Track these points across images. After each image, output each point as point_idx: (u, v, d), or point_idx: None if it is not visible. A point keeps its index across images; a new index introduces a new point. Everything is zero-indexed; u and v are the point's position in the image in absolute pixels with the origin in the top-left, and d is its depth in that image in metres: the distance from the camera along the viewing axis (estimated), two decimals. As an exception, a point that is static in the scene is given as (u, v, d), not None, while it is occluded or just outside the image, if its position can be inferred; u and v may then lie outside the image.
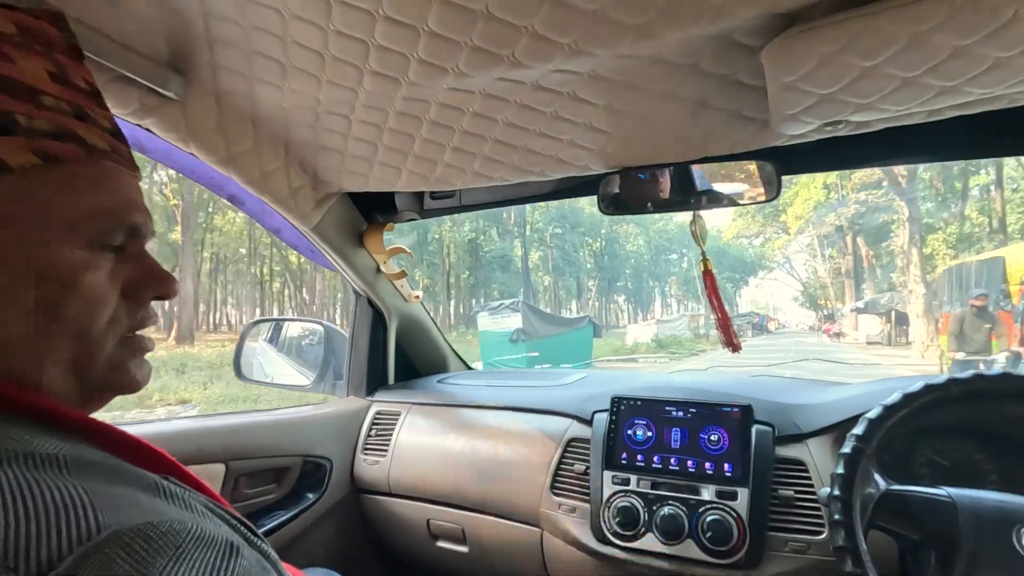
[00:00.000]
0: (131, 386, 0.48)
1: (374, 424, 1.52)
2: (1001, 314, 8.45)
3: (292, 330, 2.11)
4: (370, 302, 1.57)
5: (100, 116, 0.47)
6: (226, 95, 0.91)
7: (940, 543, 0.75)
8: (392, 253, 1.47)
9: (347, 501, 1.46)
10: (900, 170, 16.51)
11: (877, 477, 0.82)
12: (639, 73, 0.76)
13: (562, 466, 1.22)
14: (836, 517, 0.76)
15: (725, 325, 1.03)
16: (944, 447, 1.03)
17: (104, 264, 0.44)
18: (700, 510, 1.03)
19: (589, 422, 1.24)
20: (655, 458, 1.13)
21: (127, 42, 0.78)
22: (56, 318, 0.41)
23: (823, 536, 0.96)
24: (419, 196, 1.44)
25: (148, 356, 0.51)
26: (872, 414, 0.83)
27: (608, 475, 1.14)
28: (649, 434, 1.16)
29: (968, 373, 0.82)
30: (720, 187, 0.99)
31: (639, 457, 1.14)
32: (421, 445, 1.41)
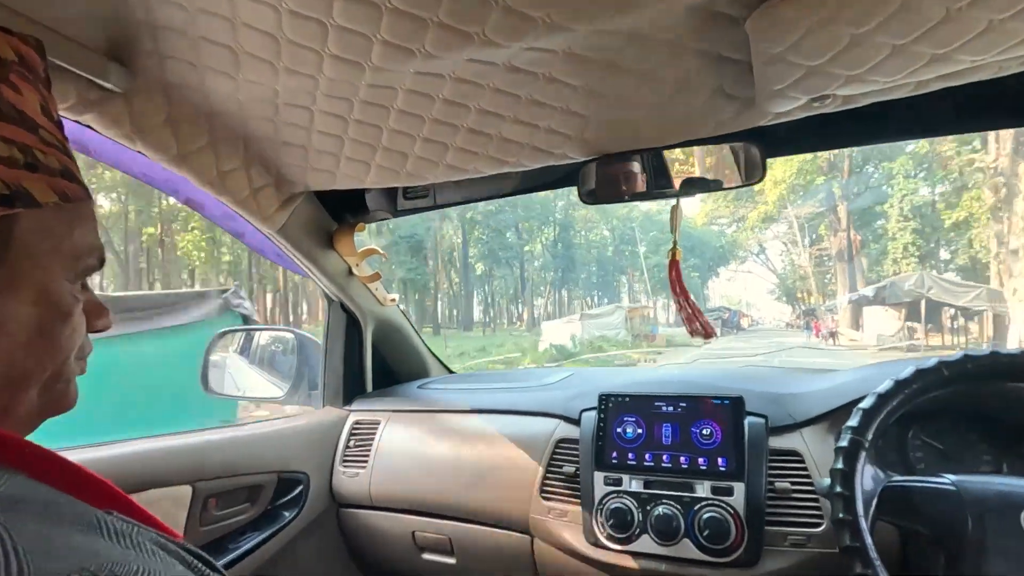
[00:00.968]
0: (69, 406, 0.48)
1: (352, 434, 1.45)
2: None
3: (264, 340, 2.03)
4: (343, 307, 1.50)
5: (69, 146, 0.47)
6: (175, 87, 0.84)
7: (946, 533, 0.72)
8: (365, 255, 1.40)
9: (327, 517, 1.39)
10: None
11: (876, 470, 0.80)
12: (617, 51, 0.72)
13: (551, 469, 1.18)
14: (840, 516, 0.73)
15: (692, 317, 1.00)
16: (937, 429, 1.02)
17: (81, 296, 0.46)
18: (695, 508, 1.00)
19: (577, 422, 1.20)
20: (646, 455, 1.09)
21: (61, 29, 0.71)
22: (50, 343, 0.43)
23: (823, 528, 0.93)
24: (391, 194, 1.38)
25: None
26: (866, 403, 0.81)
27: (599, 476, 1.09)
28: (639, 431, 1.12)
29: (957, 354, 0.80)
30: (703, 172, 0.96)
31: (630, 455, 1.10)
32: (403, 454, 1.35)
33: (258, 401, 1.71)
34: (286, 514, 1.29)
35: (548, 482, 1.17)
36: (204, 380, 1.55)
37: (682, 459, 1.06)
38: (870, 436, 0.79)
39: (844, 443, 0.79)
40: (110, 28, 0.75)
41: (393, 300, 1.57)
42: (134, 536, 0.38)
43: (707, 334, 1.02)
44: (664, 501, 1.02)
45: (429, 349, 1.84)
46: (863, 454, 0.78)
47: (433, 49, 0.71)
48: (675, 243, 0.98)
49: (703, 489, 1.02)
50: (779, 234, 38.64)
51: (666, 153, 0.97)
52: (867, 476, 0.78)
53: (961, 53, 0.60)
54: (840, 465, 0.77)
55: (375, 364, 1.64)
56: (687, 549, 0.97)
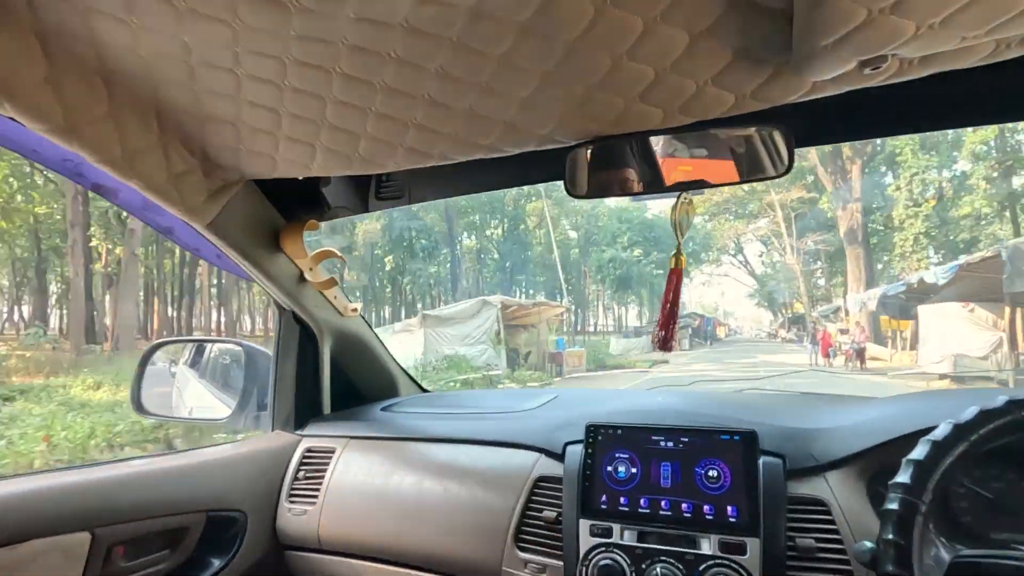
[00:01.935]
0: None
1: (303, 464, 1.26)
2: None
3: (216, 351, 1.83)
4: (296, 318, 1.31)
5: None
6: (53, 35, 0.67)
7: None
8: (319, 258, 1.22)
9: (267, 561, 1.19)
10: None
11: (940, 541, 0.63)
12: None
13: (528, 513, 1.00)
14: None
15: (665, 325, 0.85)
16: (984, 475, 0.86)
17: None
18: (700, 568, 0.83)
19: (560, 456, 1.02)
20: (641, 501, 0.92)
21: None
22: None
23: None
24: (360, 188, 1.21)
25: None
26: (919, 454, 0.64)
27: (585, 524, 0.92)
28: (633, 470, 0.95)
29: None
30: (714, 161, 0.79)
31: (622, 500, 0.93)
32: (358, 488, 1.17)
33: (197, 424, 1.51)
34: (215, 561, 1.10)
35: (525, 528, 0.99)
36: (136, 399, 1.36)
37: (684, 506, 0.89)
38: (928, 497, 0.62)
39: (895, 505, 0.62)
40: None
41: (355, 310, 1.39)
42: None
43: (662, 346, 0.87)
44: (662, 559, 0.85)
45: (399, 365, 1.65)
46: (919, 519, 0.62)
47: None
48: (679, 249, 0.81)
49: (709, 545, 0.85)
50: (759, 228, 32.67)
51: (672, 138, 0.80)
52: (927, 550, 0.61)
53: None
54: (891, 535, 0.60)
55: (335, 382, 1.45)
56: None
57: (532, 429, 1.12)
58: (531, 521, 0.99)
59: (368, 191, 1.24)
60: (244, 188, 1.02)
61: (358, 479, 1.18)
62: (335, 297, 1.31)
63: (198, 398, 1.70)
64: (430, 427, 1.24)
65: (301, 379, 1.36)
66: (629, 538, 0.90)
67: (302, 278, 1.23)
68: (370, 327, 1.51)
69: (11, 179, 14.41)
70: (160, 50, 0.69)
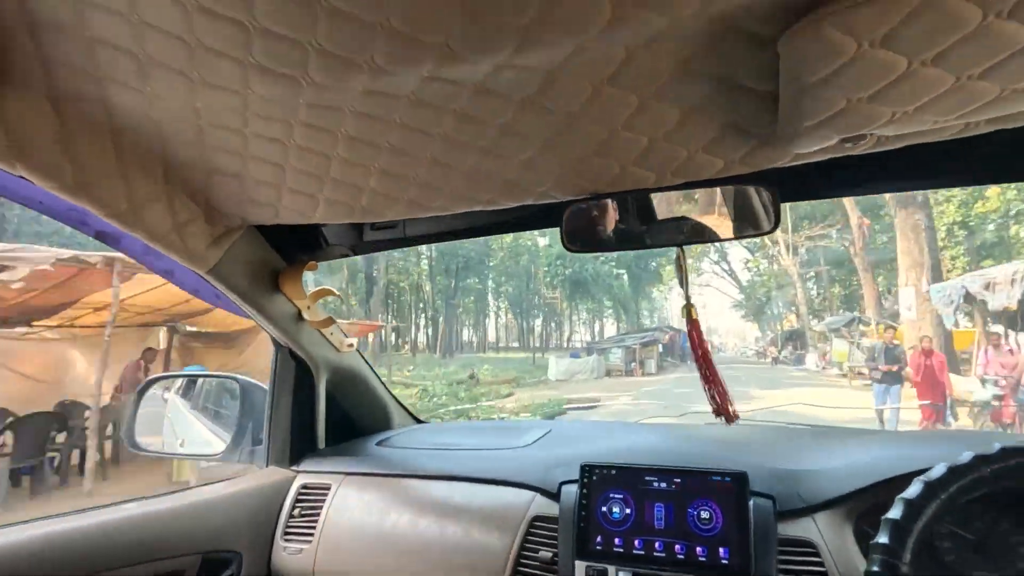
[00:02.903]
0: None
1: (298, 501, 1.26)
2: None
3: (210, 384, 1.82)
4: (293, 354, 1.32)
5: None
6: (66, 99, 0.69)
7: None
8: (317, 296, 1.24)
9: None
10: None
11: None
12: (612, 74, 0.59)
13: (524, 553, 1.01)
14: None
15: (721, 394, 0.86)
16: (965, 516, 0.88)
17: None
18: None
19: (556, 496, 1.03)
20: (636, 542, 0.93)
21: None
22: None
23: None
24: (355, 226, 1.23)
25: None
26: (895, 513, 0.67)
27: (581, 566, 0.93)
28: (628, 511, 0.96)
29: (995, 449, 0.67)
30: (708, 218, 0.83)
31: (617, 541, 0.94)
32: (354, 527, 1.17)
33: (191, 459, 1.50)
34: None
35: (521, 569, 1.00)
36: (130, 435, 1.35)
37: (677, 548, 0.91)
38: (907, 556, 0.65)
39: (876, 567, 0.65)
40: None
41: (351, 346, 1.40)
42: None
43: (721, 415, 0.88)
44: None
45: (394, 396, 1.66)
46: None
47: (384, 62, 0.57)
48: (688, 299, 0.84)
49: None
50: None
51: (664, 195, 0.84)
52: None
53: None
54: None
55: (331, 415, 1.45)
56: None
57: (528, 466, 1.13)
58: (527, 562, 1.00)
59: (361, 228, 1.26)
60: (245, 232, 1.04)
61: (354, 517, 1.18)
62: (331, 334, 1.33)
63: (191, 431, 1.69)
64: (426, 463, 1.25)
65: (297, 414, 1.36)
66: None
67: (300, 316, 1.24)
68: (365, 360, 1.52)
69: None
70: (171, 113, 0.71)
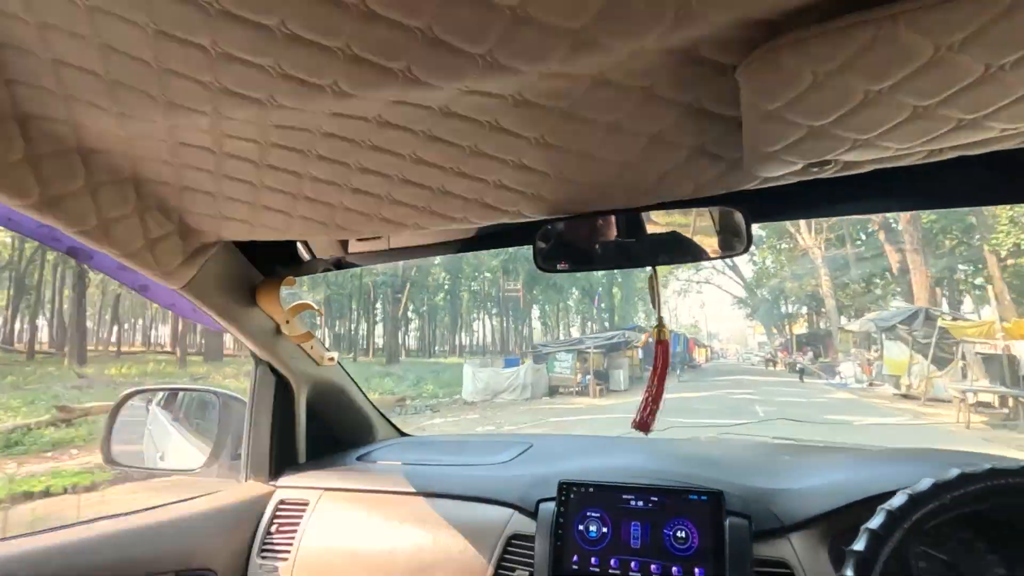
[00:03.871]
0: None
1: (276, 517, 1.25)
2: None
3: (191, 396, 1.80)
4: (272, 368, 1.31)
5: None
6: (33, 119, 0.68)
7: None
8: (296, 311, 1.23)
9: None
10: None
11: None
12: (578, 98, 0.60)
13: (501, 571, 1.00)
14: None
15: (647, 406, 0.87)
16: (938, 537, 0.88)
17: None
18: None
19: (534, 513, 1.03)
20: (612, 562, 0.93)
21: None
22: None
23: None
24: (341, 243, 1.23)
25: None
26: (875, 523, 0.67)
27: None
28: (604, 530, 0.96)
29: (983, 467, 0.67)
30: (680, 238, 0.83)
31: (593, 560, 0.94)
32: (332, 544, 1.16)
33: (168, 474, 1.48)
34: None
35: None
36: (106, 449, 1.33)
37: (653, 568, 0.91)
38: (879, 568, 0.65)
39: (850, 572, 0.65)
40: None
41: (331, 359, 1.39)
42: None
43: (639, 426, 0.89)
44: None
45: (376, 408, 1.65)
46: None
47: (348, 87, 0.57)
48: (660, 320, 0.84)
49: None
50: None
51: (637, 216, 0.84)
52: None
53: (994, 120, 0.49)
54: None
55: (312, 428, 1.44)
56: None
57: (507, 483, 1.13)
58: None
59: (347, 241, 1.25)
60: (221, 247, 1.03)
61: (332, 534, 1.17)
62: (312, 348, 1.32)
63: (171, 444, 1.67)
64: (405, 478, 1.24)
65: (276, 428, 1.35)
66: None
67: (278, 330, 1.23)
68: (347, 373, 1.51)
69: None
70: (140, 132, 0.70)
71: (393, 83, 0.55)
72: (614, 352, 15.98)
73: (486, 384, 13.64)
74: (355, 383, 1.54)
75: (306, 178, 0.78)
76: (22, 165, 0.70)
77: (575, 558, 0.95)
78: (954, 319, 11.71)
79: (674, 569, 0.90)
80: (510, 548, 1.02)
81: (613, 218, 0.84)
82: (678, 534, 0.92)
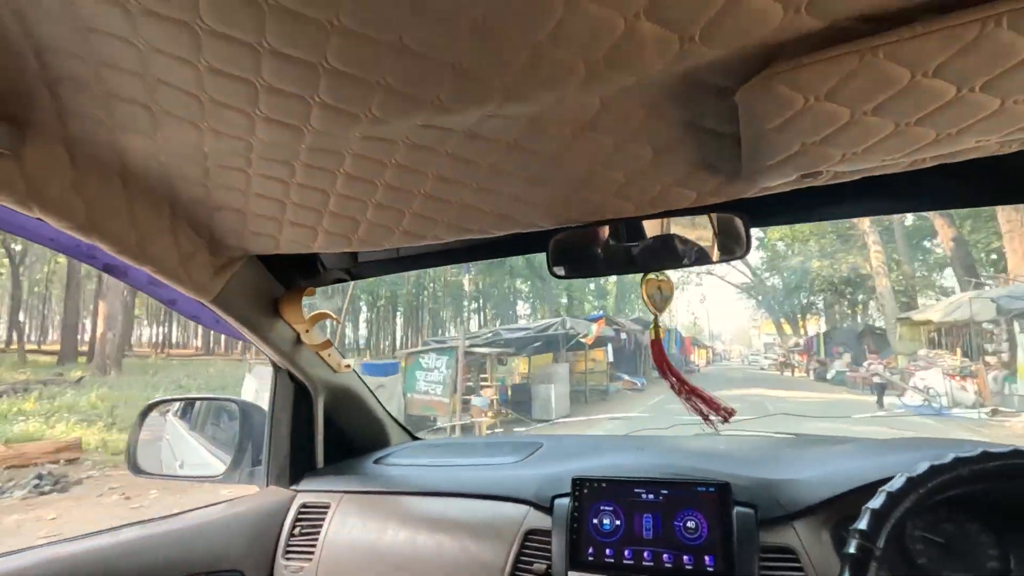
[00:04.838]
0: None
1: (298, 520, 1.29)
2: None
3: (209, 406, 1.85)
4: (291, 376, 1.36)
5: None
6: (80, 145, 0.73)
7: None
8: (315, 320, 1.28)
9: None
10: None
11: None
12: (589, 120, 0.65)
13: (519, 566, 1.04)
14: None
15: (698, 395, 0.90)
16: (935, 520, 0.93)
17: None
18: None
19: (549, 509, 1.07)
20: (625, 552, 0.97)
21: None
22: None
23: None
24: (350, 253, 1.28)
25: None
26: (876, 503, 0.72)
27: None
28: (617, 523, 1.00)
29: (976, 451, 0.72)
30: (684, 244, 0.88)
31: (608, 552, 0.98)
32: (354, 543, 1.20)
33: (192, 481, 1.52)
34: None
35: None
36: (132, 459, 1.38)
37: (665, 557, 0.95)
38: (881, 543, 0.70)
39: (852, 549, 0.70)
40: None
41: (348, 366, 1.44)
42: None
43: (724, 416, 0.91)
44: None
45: (390, 414, 1.70)
46: (874, 564, 0.69)
47: (381, 114, 0.62)
48: (656, 321, 0.89)
49: None
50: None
51: (645, 223, 0.89)
52: None
53: (967, 134, 0.54)
54: None
55: (329, 434, 1.49)
56: None
57: (521, 481, 1.17)
58: (521, 574, 1.04)
59: (358, 252, 1.30)
60: (247, 262, 1.08)
61: (353, 534, 1.22)
62: (329, 355, 1.37)
63: (190, 452, 1.72)
64: (422, 480, 1.29)
65: (295, 434, 1.39)
66: None
67: (298, 339, 1.28)
68: (362, 380, 1.56)
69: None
70: (179, 156, 0.76)
71: (423, 110, 0.60)
72: (548, 353, 10.37)
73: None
74: (369, 389, 1.59)
75: (333, 195, 0.83)
76: (70, 190, 0.75)
77: (590, 550, 0.99)
78: None
79: (685, 558, 0.94)
80: (527, 543, 1.06)
81: (620, 226, 0.89)
82: (688, 524, 0.97)
